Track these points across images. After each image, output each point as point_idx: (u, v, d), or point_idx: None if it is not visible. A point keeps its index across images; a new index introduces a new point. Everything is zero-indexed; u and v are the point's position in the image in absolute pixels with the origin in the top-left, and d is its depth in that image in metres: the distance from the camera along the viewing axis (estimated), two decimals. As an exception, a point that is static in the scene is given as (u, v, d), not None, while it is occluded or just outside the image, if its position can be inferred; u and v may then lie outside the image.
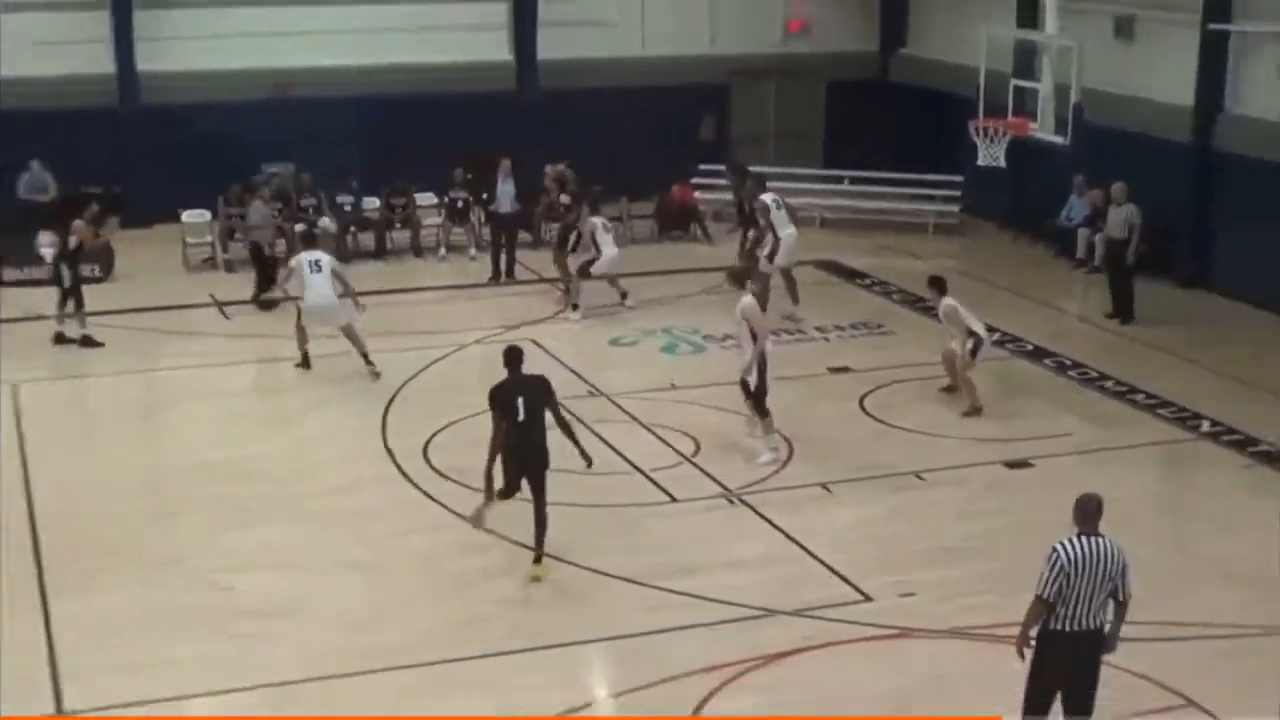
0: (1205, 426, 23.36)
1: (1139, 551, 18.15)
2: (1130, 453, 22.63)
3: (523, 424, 17.68)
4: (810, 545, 19.11)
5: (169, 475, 21.97)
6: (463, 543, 18.20)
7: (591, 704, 15.78)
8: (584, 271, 28.96)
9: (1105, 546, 13.51)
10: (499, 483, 17.90)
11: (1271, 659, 16.33)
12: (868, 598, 17.72)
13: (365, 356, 25.44)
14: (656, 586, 17.90)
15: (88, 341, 26.72)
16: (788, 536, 19.44)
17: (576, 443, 18.19)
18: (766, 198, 29.02)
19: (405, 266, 33.14)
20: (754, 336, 21.47)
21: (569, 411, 18.96)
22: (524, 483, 17.96)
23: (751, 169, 31.51)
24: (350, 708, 15.44)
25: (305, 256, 25.85)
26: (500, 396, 17.80)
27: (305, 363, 25.61)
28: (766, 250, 28.61)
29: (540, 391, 18.00)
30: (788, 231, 28.66)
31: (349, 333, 25.52)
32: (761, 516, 20.08)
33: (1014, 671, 13.75)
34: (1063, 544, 13.46)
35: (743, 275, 22.74)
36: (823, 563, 18.65)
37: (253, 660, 16.24)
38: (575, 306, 28.83)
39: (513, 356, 18.12)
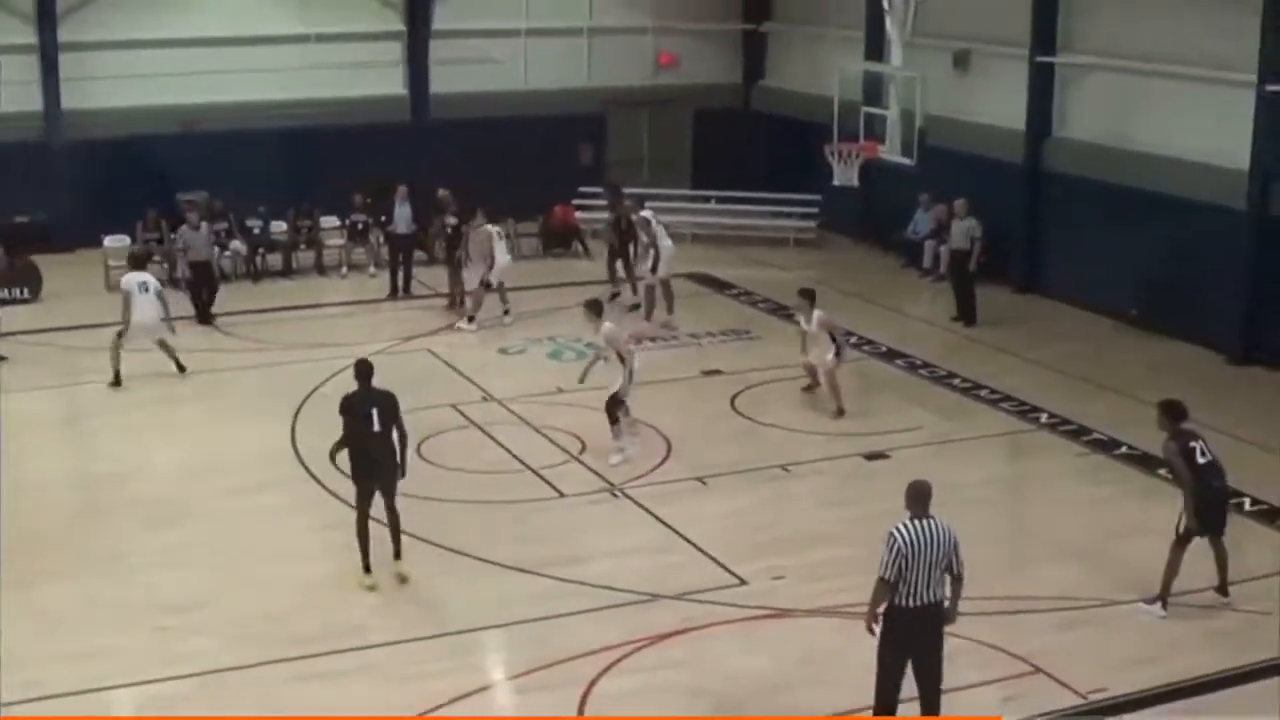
0: (1043, 418, 23.44)
1: (985, 532, 18.47)
2: (976, 443, 22.68)
3: (377, 434, 17.17)
4: (688, 534, 18.97)
5: (94, 481, 21.44)
6: (367, 537, 17.88)
7: (486, 687, 15.54)
8: (485, 283, 28.53)
9: (937, 527, 13.55)
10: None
11: (1106, 627, 16.55)
12: (742, 581, 17.61)
13: (178, 364, 25.44)
14: (546, 575, 17.72)
15: None
16: (668, 526, 19.29)
17: (404, 457, 17.62)
18: (646, 213, 28.90)
19: (310, 284, 32.69)
20: (621, 358, 21.24)
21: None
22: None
23: (627, 189, 31.34)
24: (261, 693, 15.12)
25: (134, 278, 25.44)
26: (353, 406, 17.32)
27: (117, 380, 25.00)
28: (649, 263, 28.47)
29: (391, 405, 17.43)
30: (665, 244, 28.55)
31: (164, 345, 25.42)
32: (643, 508, 19.92)
33: (875, 645, 13.65)
34: (899, 528, 13.49)
35: (598, 306, 22.35)
36: (700, 550, 18.51)
37: (175, 651, 15.93)
38: (471, 319, 28.50)
39: (363, 370, 17.60)
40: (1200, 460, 16.66)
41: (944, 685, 14.11)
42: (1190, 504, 16.57)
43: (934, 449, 22.12)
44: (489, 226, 28.73)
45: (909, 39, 28.60)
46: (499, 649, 16.32)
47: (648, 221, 28.71)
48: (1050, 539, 19.07)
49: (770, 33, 39.78)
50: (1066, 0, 30.17)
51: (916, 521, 13.50)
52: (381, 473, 17.34)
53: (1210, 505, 16.70)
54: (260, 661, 15.68)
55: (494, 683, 15.74)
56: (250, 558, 18.17)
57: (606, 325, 21.67)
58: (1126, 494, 20.39)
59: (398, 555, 17.57)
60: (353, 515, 17.63)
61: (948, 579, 13.61)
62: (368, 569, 17.37)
